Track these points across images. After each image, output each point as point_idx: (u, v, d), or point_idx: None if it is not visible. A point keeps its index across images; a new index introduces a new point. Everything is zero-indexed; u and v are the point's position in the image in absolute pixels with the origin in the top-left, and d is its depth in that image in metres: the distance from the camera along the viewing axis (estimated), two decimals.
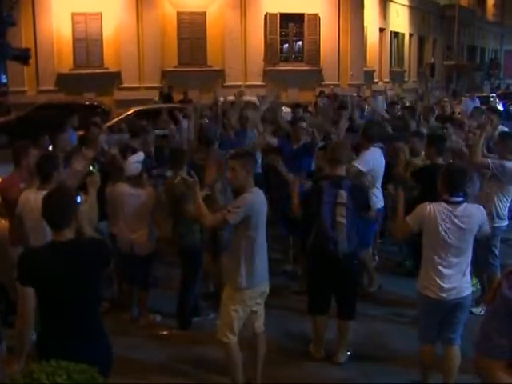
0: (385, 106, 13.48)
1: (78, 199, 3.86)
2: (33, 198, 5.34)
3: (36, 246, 4.39)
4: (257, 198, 4.91)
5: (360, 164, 6.79)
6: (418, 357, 5.07)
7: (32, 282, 3.54)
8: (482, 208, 5.02)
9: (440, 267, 4.80)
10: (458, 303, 4.83)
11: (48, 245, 3.66)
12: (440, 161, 6.48)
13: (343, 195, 5.34)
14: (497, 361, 2.36)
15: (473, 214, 4.83)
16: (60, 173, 5.52)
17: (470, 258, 4.93)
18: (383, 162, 7.19)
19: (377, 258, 8.15)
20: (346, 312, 5.64)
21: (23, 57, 8.52)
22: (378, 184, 7.11)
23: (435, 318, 4.91)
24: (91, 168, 5.15)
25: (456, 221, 4.74)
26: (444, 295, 4.79)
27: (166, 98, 19.56)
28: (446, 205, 4.78)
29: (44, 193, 5.21)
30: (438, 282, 4.79)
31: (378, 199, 7.09)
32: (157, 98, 20.05)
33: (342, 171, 5.58)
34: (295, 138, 8.02)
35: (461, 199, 4.82)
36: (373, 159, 6.95)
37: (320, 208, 5.41)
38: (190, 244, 6.27)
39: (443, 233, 4.74)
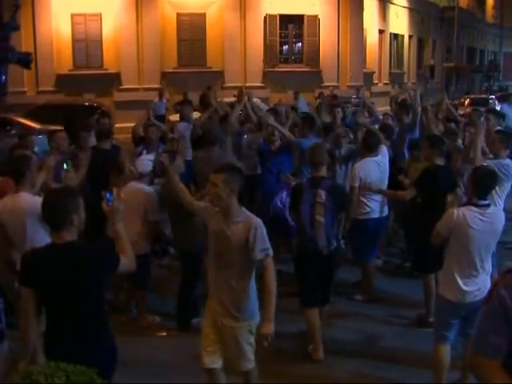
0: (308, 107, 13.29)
1: (109, 196, 3.84)
2: (10, 202, 5.31)
3: (28, 249, 4.36)
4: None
5: (349, 179, 7.00)
6: (434, 356, 5.00)
7: (31, 284, 3.53)
8: (502, 210, 5.15)
9: (467, 270, 4.83)
10: (480, 303, 4.81)
11: (47, 247, 3.65)
12: (439, 162, 6.52)
13: (322, 195, 5.57)
14: (491, 360, 2.37)
15: (498, 215, 4.94)
16: (34, 173, 5.42)
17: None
18: (382, 169, 7.12)
19: (381, 261, 8.16)
20: (325, 298, 5.98)
21: (25, 61, 8.53)
22: (374, 193, 7.01)
23: (456, 319, 4.91)
24: (65, 166, 5.09)
25: (486, 223, 4.79)
26: (468, 297, 4.80)
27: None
28: (475, 208, 4.80)
29: (21, 195, 5.22)
30: (463, 285, 4.81)
31: (374, 208, 7.06)
32: (156, 100, 19.97)
33: (322, 172, 5.79)
34: (268, 139, 8.16)
35: (488, 202, 4.86)
36: (362, 170, 6.93)
37: (299, 208, 5.65)
38: (190, 245, 6.27)
39: (474, 236, 4.77)
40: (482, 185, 4.84)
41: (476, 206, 4.81)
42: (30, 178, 5.34)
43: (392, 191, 7.09)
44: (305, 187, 5.74)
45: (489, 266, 4.96)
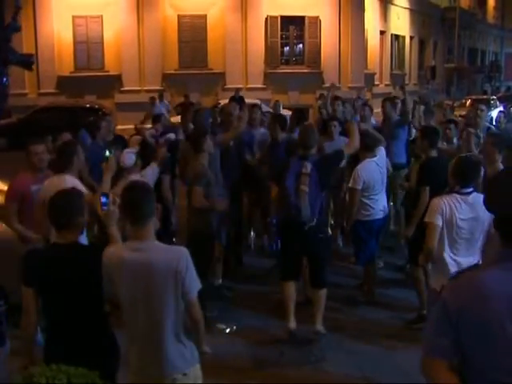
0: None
1: (104, 199, 3.83)
2: (56, 181, 5.41)
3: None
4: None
5: (351, 182, 6.97)
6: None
7: (33, 283, 3.54)
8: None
9: (457, 259, 4.83)
10: None
11: (50, 246, 3.67)
12: (433, 153, 6.55)
13: (307, 166, 5.73)
14: (439, 360, 2.40)
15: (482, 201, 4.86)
16: (80, 159, 5.68)
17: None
18: (382, 169, 7.13)
19: (381, 263, 8.15)
20: (316, 281, 6.05)
21: (26, 62, 8.54)
22: (376, 194, 7.03)
23: None
24: (107, 153, 5.17)
25: (470, 210, 4.81)
26: None
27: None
28: (458, 195, 4.84)
29: (67, 177, 5.37)
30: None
31: (377, 208, 7.06)
32: (158, 101, 19.96)
33: (311, 152, 5.94)
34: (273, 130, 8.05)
35: (471, 189, 4.88)
36: (364, 172, 6.94)
37: (285, 178, 5.81)
38: (200, 229, 6.25)
39: (459, 223, 4.80)
40: (465, 174, 4.87)
41: (459, 193, 4.85)
42: (76, 164, 5.61)
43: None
44: (292, 160, 5.93)
45: (479, 255, 4.92)
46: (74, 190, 3.89)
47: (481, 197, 4.88)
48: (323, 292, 6.05)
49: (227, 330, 6.33)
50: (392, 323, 6.60)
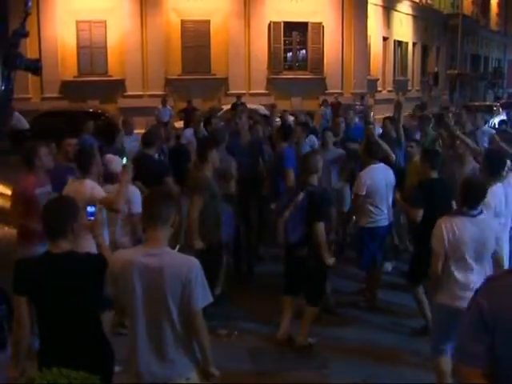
0: None
1: (92, 209, 3.80)
2: (73, 186, 5.47)
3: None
4: None
5: (355, 187, 7.01)
6: (434, 369, 4.95)
7: (25, 292, 3.47)
8: (495, 221, 5.06)
9: (463, 278, 4.76)
10: None
11: (43, 255, 3.58)
12: (434, 175, 6.46)
13: (300, 196, 5.84)
14: (473, 369, 2.34)
15: (490, 224, 4.87)
16: (98, 163, 5.80)
17: (489, 267, 4.90)
18: (386, 177, 7.11)
19: (390, 267, 8.17)
20: (307, 297, 6.13)
21: (34, 67, 8.57)
22: (380, 201, 7.03)
23: (453, 330, 4.82)
24: (124, 160, 5.18)
25: (476, 231, 4.75)
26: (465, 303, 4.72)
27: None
28: (464, 217, 4.79)
29: (86, 181, 5.42)
30: (461, 292, 4.71)
31: (382, 216, 7.07)
32: (160, 107, 20.00)
33: (313, 180, 6.00)
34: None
35: (478, 211, 4.82)
36: (368, 178, 6.94)
37: (280, 204, 6.11)
38: (210, 240, 6.25)
39: (466, 244, 4.73)
40: (473, 195, 4.80)
41: (465, 215, 4.79)
42: (95, 170, 5.71)
43: (406, 205, 6.70)
44: (294, 191, 6.13)
45: (484, 272, 4.84)
46: (67, 198, 3.84)
47: (488, 219, 4.88)
48: (312, 310, 6.08)
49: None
50: (393, 329, 6.60)
